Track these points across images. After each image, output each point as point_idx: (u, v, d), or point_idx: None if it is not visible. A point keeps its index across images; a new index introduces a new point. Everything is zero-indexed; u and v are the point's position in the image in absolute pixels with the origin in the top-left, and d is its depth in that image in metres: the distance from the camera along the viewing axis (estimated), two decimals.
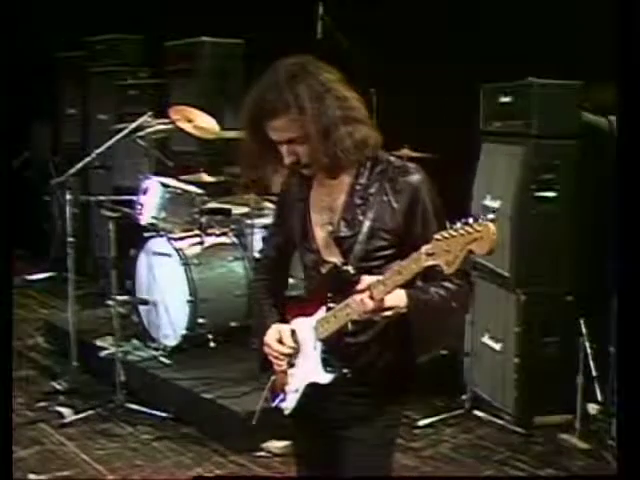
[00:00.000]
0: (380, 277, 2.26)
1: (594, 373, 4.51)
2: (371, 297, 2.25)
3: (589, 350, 4.50)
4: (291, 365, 2.54)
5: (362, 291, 2.27)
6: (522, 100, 4.80)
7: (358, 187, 2.43)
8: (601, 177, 4.57)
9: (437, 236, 2.13)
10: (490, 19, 5.43)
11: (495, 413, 4.89)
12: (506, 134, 4.94)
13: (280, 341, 2.51)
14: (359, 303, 2.27)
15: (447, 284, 2.35)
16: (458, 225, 2.11)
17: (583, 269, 4.79)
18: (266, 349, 2.54)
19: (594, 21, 4.81)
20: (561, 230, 4.77)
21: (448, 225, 2.14)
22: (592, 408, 4.64)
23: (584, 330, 4.51)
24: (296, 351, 2.51)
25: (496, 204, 4.86)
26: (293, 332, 2.52)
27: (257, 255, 2.93)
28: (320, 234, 2.48)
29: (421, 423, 4.79)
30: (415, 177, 2.39)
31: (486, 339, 5.01)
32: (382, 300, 2.26)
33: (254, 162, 2.46)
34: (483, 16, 5.47)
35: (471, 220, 2.09)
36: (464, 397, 4.97)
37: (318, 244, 2.48)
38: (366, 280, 2.28)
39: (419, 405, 4.92)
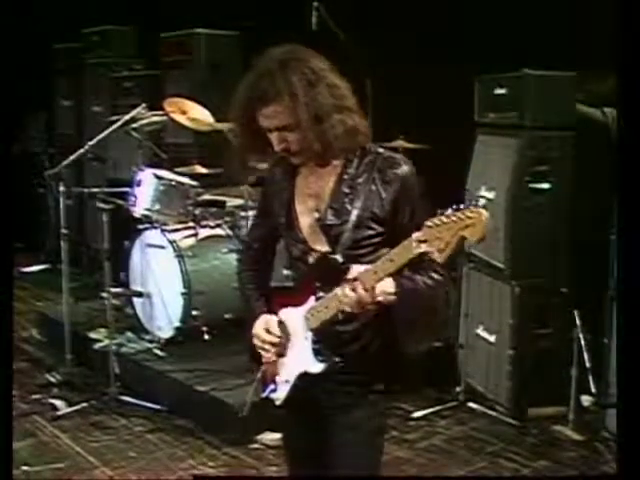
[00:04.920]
0: (371, 266, 2.25)
1: (588, 365, 4.50)
2: (363, 287, 2.24)
3: (583, 342, 4.50)
4: (281, 355, 2.54)
5: (353, 280, 2.26)
6: (517, 92, 4.79)
7: (346, 176, 2.43)
8: (595, 169, 4.57)
9: (428, 222, 2.11)
10: (486, 10, 5.41)
11: (489, 405, 4.89)
12: (501, 126, 4.93)
13: (268, 331, 2.51)
14: (351, 291, 2.26)
15: (433, 274, 2.36)
16: (449, 211, 2.09)
17: (577, 261, 4.78)
18: (254, 340, 2.55)
19: (589, 12, 4.80)
20: (556, 221, 4.77)
21: (439, 212, 2.11)
22: (585, 400, 4.64)
23: (578, 322, 4.51)
24: (283, 341, 2.51)
25: (491, 195, 4.86)
26: (280, 322, 2.52)
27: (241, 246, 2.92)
28: (306, 221, 2.48)
29: (415, 415, 4.79)
30: (404, 168, 2.40)
31: (480, 331, 5.01)
32: (373, 289, 2.25)
33: (244, 151, 2.47)
34: (479, 7, 5.45)
35: (462, 206, 2.07)
36: (458, 389, 4.97)
37: (304, 232, 2.48)
38: (357, 269, 2.27)
39: (413, 397, 4.93)
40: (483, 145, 5.09)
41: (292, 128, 2.32)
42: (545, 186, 4.73)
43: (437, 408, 4.87)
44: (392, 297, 2.31)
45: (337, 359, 2.43)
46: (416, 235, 2.14)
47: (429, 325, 2.49)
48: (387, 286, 2.29)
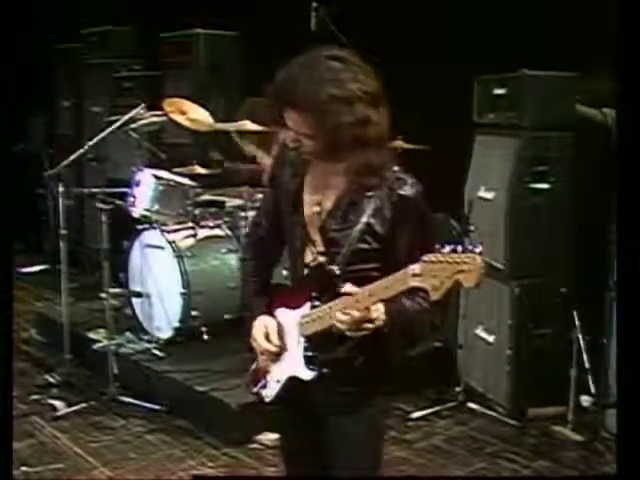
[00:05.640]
0: (366, 287, 2.26)
1: (587, 365, 4.50)
2: (357, 307, 2.25)
3: (582, 342, 4.50)
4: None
5: (349, 297, 2.28)
6: (516, 92, 4.79)
7: (357, 187, 2.40)
8: (595, 169, 4.57)
9: (425, 258, 2.10)
10: (485, 10, 5.41)
11: (488, 405, 4.89)
12: (500, 126, 4.93)
13: (267, 337, 2.51)
14: (345, 305, 2.27)
15: (422, 301, 2.34)
16: (447, 250, 2.08)
17: (577, 261, 4.78)
18: (253, 343, 2.55)
19: (589, 12, 4.80)
20: (555, 222, 4.77)
21: (437, 247, 2.11)
22: (585, 400, 4.64)
23: (577, 322, 4.51)
24: (282, 349, 2.51)
25: (490, 195, 4.86)
26: (279, 325, 2.52)
27: (245, 237, 2.89)
28: (308, 211, 2.47)
29: (414, 415, 4.79)
30: (412, 192, 2.38)
31: (480, 331, 5.01)
32: (367, 309, 2.26)
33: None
34: (478, 7, 5.45)
35: (460, 248, 2.07)
36: (457, 389, 4.97)
37: (306, 221, 2.47)
38: (353, 289, 2.28)
39: (412, 397, 4.93)
40: (482, 145, 5.09)
41: (304, 136, 2.34)
42: (544, 186, 4.73)
43: (436, 408, 4.87)
44: (381, 322, 2.30)
45: (327, 370, 2.42)
46: (412, 268, 2.14)
47: (418, 339, 2.51)
48: (378, 310, 2.29)
